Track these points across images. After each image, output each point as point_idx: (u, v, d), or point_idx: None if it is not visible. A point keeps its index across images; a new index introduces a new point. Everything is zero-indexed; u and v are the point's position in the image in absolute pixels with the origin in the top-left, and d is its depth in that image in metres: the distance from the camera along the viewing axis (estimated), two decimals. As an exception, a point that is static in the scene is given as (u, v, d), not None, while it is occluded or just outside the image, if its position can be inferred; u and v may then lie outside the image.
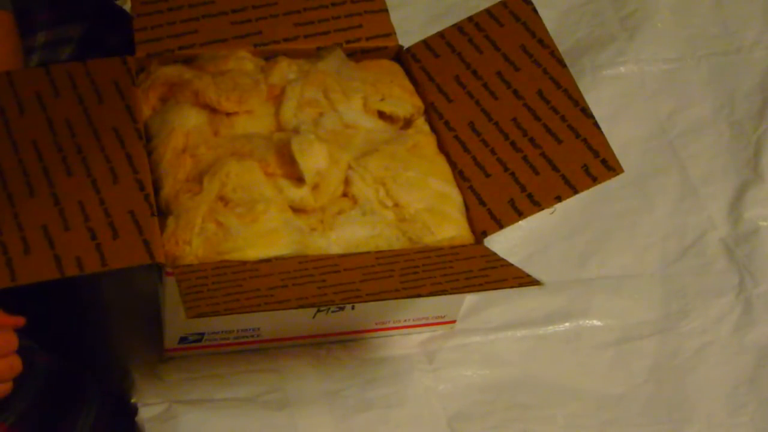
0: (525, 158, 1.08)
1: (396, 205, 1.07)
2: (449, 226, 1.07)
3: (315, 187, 1.06)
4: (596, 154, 1.04)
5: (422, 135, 1.14)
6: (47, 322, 1.19)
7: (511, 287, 1.00)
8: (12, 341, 0.96)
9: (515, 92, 1.12)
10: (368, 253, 1.04)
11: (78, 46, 1.24)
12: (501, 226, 1.08)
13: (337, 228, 1.04)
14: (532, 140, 1.09)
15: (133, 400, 1.07)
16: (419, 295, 0.97)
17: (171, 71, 1.13)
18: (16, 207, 0.97)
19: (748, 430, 1.14)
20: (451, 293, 0.99)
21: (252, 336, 1.10)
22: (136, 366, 1.09)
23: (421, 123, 1.15)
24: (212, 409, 1.06)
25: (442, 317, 1.16)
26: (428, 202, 1.08)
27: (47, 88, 1.09)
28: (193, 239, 1.00)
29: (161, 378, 1.08)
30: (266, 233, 1.01)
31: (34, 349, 1.10)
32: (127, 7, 1.21)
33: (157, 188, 1.04)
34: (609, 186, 1.12)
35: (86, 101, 1.07)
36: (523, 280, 0.99)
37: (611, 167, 1.03)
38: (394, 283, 0.98)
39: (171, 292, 1.00)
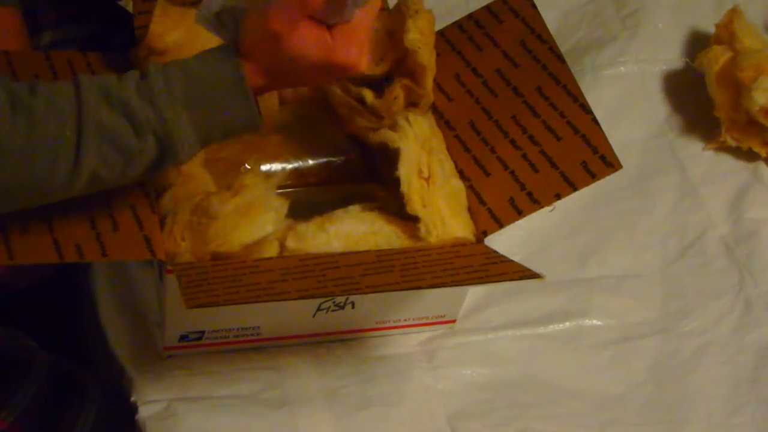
0: (524, 156, 1.09)
1: (428, 178, 1.07)
2: (458, 225, 1.08)
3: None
4: (595, 150, 1.05)
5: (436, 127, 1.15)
6: (46, 320, 1.19)
7: (512, 280, 1.00)
8: None
9: (515, 89, 1.12)
10: (368, 251, 1.04)
11: (83, 46, 1.25)
12: (501, 226, 1.08)
13: (336, 222, 1.05)
14: (531, 138, 1.09)
15: (132, 399, 1.06)
16: (419, 288, 0.97)
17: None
18: None
19: (748, 430, 1.14)
20: (451, 286, 0.99)
21: (252, 335, 1.10)
22: (135, 364, 1.09)
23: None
24: (212, 406, 1.06)
25: (442, 317, 1.16)
26: (446, 191, 1.08)
27: (46, 73, 1.09)
28: (185, 234, 1.00)
29: (161, 376, 1.08)
30: (247, 209, 1.01)
31: (34, 349, 1.10)
32: (131, 7, 1.21)
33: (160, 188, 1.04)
34: (609, 186, 1.12)
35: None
36: (523, 273, 0.99)
37: (610, 163, 1.03)
38: (395, 278, 0.98)
39: (171, 290, 1.00)
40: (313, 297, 1.02)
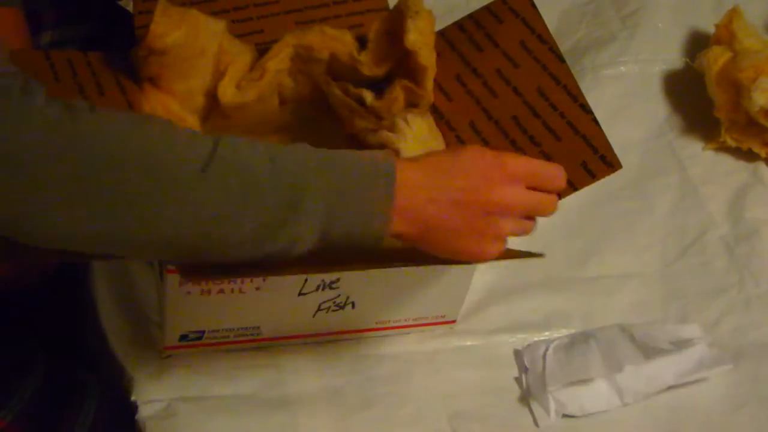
0: (524, 156, 1.09)
1: None
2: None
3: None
4: (595, 150, 1.04)
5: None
6: (46, 320, 1.19)
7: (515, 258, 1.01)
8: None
9: (515, 89, 1.12)
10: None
11: (83, 46, 1.25)
12: (502, 226, 1.08)
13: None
14: (531, 138, 1.09)
15: (132, 398, 1.06)
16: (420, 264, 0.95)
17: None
18: None
19: (748, 430, 1.13)
20: (453, 264, 0.97)
21: (252, 334, 1.10)
22: (135, 364, 1.09)
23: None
24: (212, 406, 1.06)
25: (442, 317, 1.16)
26: None
27: (47, 72, 1.09)
28: None
29: (161, 376, 1.08)
30: None
31: (33, 348, 1.10)
32: (131, 7, 1.21)
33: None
34: (609, 186, 1.12)
35: (87, 91, 1.07)
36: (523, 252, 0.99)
37: (610, 163, 1.03)
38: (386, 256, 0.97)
39: (171, 289, 1.00)
40: (303, 274, 0.98)
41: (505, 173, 0.93)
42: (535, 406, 1.10)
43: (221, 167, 0.82)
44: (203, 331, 1.08)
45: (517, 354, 1.14)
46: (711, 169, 1.35)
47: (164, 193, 0.81)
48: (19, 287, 1.14)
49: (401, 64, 1.14)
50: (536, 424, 1.10)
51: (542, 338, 1.16)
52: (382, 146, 1.10)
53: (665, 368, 1.11)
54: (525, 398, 1.12)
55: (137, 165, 0.80)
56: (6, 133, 0.76)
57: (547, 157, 1.07)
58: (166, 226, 0.81)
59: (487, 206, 0.92)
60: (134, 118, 0.83)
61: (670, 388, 1.13)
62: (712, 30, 1.40)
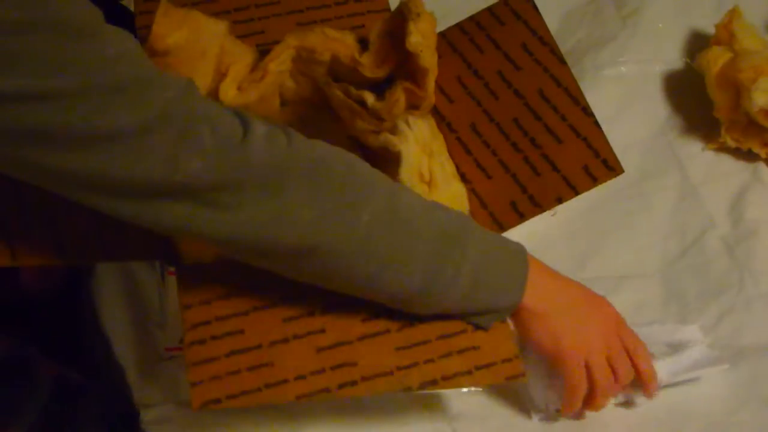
0: (526, 159, 1.09)
1: (429, 183, 1.07)
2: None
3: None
4: (596, 153, 1.05)
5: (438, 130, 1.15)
6: (48, 323, 1.19)
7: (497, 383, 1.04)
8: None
9: (516, 92, 1.12)
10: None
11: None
12: (502, 229, 1.08)
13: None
14: (532, 140, 1.09)
15: (135, 401, 1.07)
16: (410, 389, 0.97)
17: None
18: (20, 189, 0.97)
19: (748, 429, 1.13)
20: (441, 387, 0.99)
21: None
22: (138, 366, 1.10)
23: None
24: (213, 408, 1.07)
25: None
26: (448, 194, 1.08)
27: None
28: None
29: (163, 378, 1.09)
30: None
31: (37, 358, 1.11)
32: (133, 7, 1.21)
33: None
34: (609, 186, 1.12)
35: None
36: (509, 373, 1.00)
37: (611, 167, 1.03)
38: (390, 356, 0.98)
39: (173, 291, 1.00)
40: (310, 397, 0.97)
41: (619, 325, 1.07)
42: (535, 406, 1.10)
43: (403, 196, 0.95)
44: (204, 332, 1.08)
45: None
46: (711, 169, 1.35)
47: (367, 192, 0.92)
48: (39, 292, 1.14)
49: (402, 66, 1.14)
50: (536, 423, 1.10)
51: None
52: (383, 148, 1.10)
53: (665, 368, 1.11)
54: (525, 398, 1.12)
55: (346, 172, 0.92)
56: (254, 160, 0.86)
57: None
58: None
59: (601, 320, 1.06)
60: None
61: (670, 388, 1.13)
62: (712, 30, 1.40)
